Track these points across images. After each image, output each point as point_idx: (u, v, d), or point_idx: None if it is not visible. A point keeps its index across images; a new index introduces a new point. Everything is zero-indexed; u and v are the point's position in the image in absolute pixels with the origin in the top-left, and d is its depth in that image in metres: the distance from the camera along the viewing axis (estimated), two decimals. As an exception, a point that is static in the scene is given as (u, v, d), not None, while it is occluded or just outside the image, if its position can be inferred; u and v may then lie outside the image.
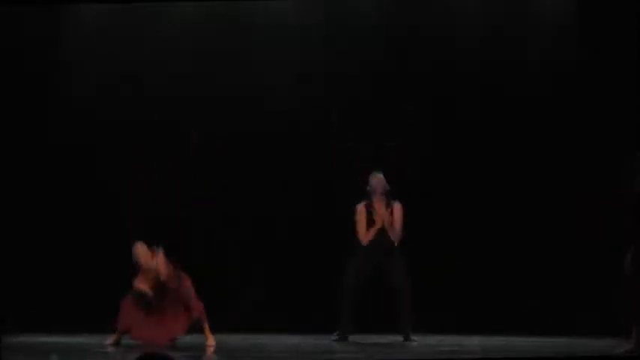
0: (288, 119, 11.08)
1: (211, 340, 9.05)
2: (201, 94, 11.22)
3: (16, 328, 9.65)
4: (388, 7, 11.12)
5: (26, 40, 11.08)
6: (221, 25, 11.24)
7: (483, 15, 10.99)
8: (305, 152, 10.97)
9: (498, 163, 10.83)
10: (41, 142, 11.04)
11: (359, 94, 11.12)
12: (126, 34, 11.29)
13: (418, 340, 9.53)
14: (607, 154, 10.17)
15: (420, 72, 11.04)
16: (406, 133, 11.04)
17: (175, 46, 11.21)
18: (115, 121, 11.12)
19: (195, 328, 9.22)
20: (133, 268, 9.41)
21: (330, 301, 10.04)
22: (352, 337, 9.73)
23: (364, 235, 9.54)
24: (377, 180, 9.61)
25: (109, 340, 9.04)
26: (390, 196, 9.67)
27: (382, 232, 9.59)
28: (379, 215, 9.53)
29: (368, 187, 9.59)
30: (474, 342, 9.71)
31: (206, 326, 9.09)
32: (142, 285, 9.01)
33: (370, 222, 9.55)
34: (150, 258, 9.11)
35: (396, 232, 9.58)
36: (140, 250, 9.15)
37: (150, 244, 9.22)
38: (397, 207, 9.61)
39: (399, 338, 9.60)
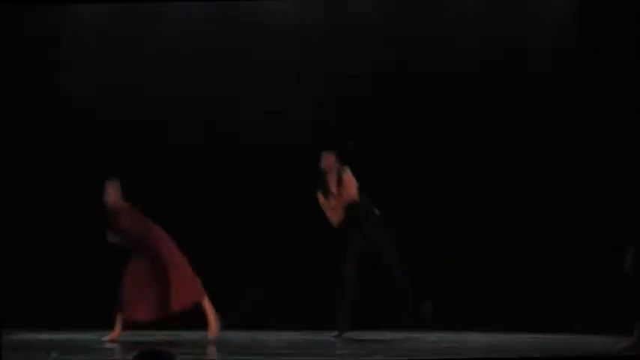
0: (288, 119, 11.09)
1: (213, 327, 9.02)
2: (201, 94, 11.22)
3: (16, 326, 9.69)
4: (388, 7, 11.14)
5: (26, 40, 11.08)
6: (221, 25, 11.26)
7: (483, 15, 11.00)
8: (305, 152, 10.83)
9: (499, 162, 10.85)
10: (41, 142, 11.07)
11: (359, 94, 11.14)
12: (126, 34, 11.30)
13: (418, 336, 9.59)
14: (607, 153, 10.20)
15: (420, 72, 11.06)
16: (406, 133, 11.06)
17: (175, 46, 11.24)
18: (115, 121, 11.12)
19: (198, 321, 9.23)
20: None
21: (331, 299, 10.07)
22: (353, 334, 9.73)
23: (332, 218, 9.61)
24: (325, 158, 9.67)
25: (108, 336, 9.07)
26: (340, 171, 9.70)
27: (351, 208, 9.60)
28: (333, 194, 9.60)
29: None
30: (475, 339, 9.75)
31: (207, 308, 9.06)
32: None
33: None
34: (118, 199, 9.21)
35: (348, 197, 9.56)
36: (112, 189, 9.24)
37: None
38: (346, 176, 9.61)
39: (400, 335, 9.67)
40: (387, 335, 10.04)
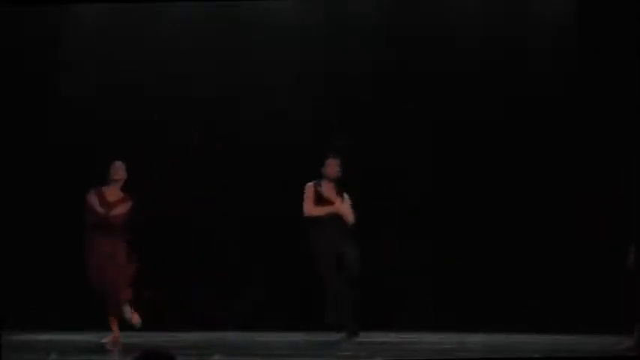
0: (289, 119, 11.08)
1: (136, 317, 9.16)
2: (201, 94, 11.21)
3: (17, 327, 9.72)
4: (388, 7, 11.15)
5: (26, 40, 11.05)
6: (220, 25, 11.27)
7: (483, 15, 11.02)
8: (306, 151, 10.83)
9: (498, 161, 10.89)
10: (41, 142, 11.07)
11: (359, 94, 11.12)
12: (126, 34, 11.31)
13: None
14: (607, 153, 10.22)
15: (420, 72, 11.07)
16: (406, 132, 11.06)
17: (175, 45, 11.27)
18: (115, 121, 11.10)
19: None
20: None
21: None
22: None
23: (310, 209, 9.65)
24: (332, 164, 9.72)
25: (107, 338, 9.13)
26: (339, 184, 9.82)
27: (334, 219, 9.69)
28: (331, 197, 9.69)
29: (322, 170, 9.74)
30: (474, 339, 9.79)
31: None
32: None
33: (318, 201, 9.72)
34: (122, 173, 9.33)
35: (349, 218, 9.68)
36: (119, 166, 9.34)
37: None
38: (347, 197, 9.77)
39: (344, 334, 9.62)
40: (387, 336, 10.08)
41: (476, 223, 10.94)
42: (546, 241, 10.68)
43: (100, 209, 9.33)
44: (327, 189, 9.71)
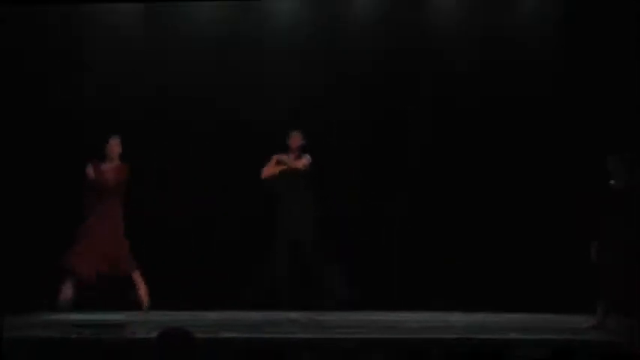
0: (289, 119, 11.11)
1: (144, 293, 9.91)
2: (202, 95, 11.27)
3: (49, 307, 10.13)
4: (385, 8, 11.26)
5: (27, 40, 10.99)
6: (225, 27, 11.34)
7: (481, 15, 11.16)
8: (306, 151, 10.96)
9: (481, 155, 11.05)
10: (42, 142, 11.01)
11: (359, 95, 11.28)
12: (128, 34, 11.34)
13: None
14: (596, 152, 10.07)
15: (419, 72, 11.25)
16: (405, 132, 11.26)
17: (175, 46, 11.30)
18: (116, 121, 11.08)
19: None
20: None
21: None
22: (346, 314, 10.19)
23: (267, 170, 10.44)
24: (294, 137, 10.52)
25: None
26: (303, 151, 10.53)
27: (296, 201, 10.36)
28: (290, 163, 10.46)
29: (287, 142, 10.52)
30: (456, 319, 10.01)
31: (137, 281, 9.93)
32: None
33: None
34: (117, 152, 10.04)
35: (295, 165, 10.45)
36: (114, 143, 10.08)
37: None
38: (306, 157, 10.48)
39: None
40: (375, 315, 10.26)
41: (458, 214, 10.98)
42: (522, 232, 10.80)
43: (91, 173, 9.95)
44: (291, 158, 10.47)
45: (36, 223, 10.77)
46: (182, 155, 11.35)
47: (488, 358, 5.66)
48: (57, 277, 10.21)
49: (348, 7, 11.43)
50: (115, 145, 10.21)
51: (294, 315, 10.11)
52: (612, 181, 9.42)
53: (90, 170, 10.16)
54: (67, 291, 10.06)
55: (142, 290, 10.22)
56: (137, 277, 10.21)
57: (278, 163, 10.68)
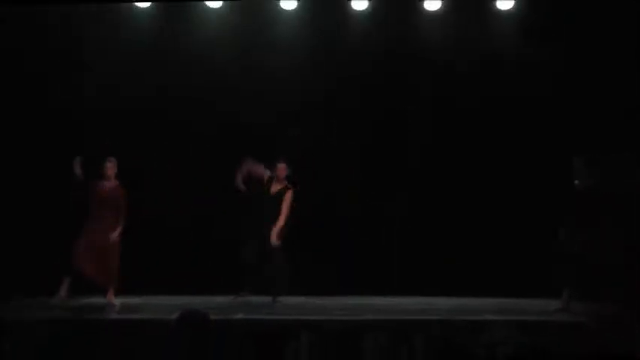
0: (290, 120, 11.35)
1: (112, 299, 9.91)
2: (202, 96, 11.39)
3: (85, 292, 10.19)
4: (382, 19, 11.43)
5: (27, 40, 10.94)
6: (226, 28, 11.41)
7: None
8: (308, 151, 11.33)
9: (469, 161, 11.33)
10: (41, 142, 11.03)
11: (358, 96, 11.49)
12: (130, 33, 11.39)
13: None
14: (567, 154, 10.17)
15: (417, 73, 11.44)
16: (404, 132, 11.46)
17: (175, 47, 11.40)
18: (116, 121, 11.21)
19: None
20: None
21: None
22: (331, 299, 10.46)
23: (238, 182, 10.31)
24: (280, 168, 10.48)
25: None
26: (289, 181, 10.50)
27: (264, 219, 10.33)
28: (272, 190, 10.41)
29: (273, 173, 10.48)
30: (439, 302, 10.28)
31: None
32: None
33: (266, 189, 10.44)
34: (112, 172, 10.03)
35: (282, 215, 10.27)
36: (110, 166, 10.10)
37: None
38: (290, 192, 10.43)
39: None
40: (366, 299, 10.58)
41: (441, 209, 11.34)
42: (498, 224, 11.07)
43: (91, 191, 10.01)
44: (276, 183, 10.46)
45: (35, 221, 10.79)
46: (182, 155, 11.44)
47: None
48: (54, 270, 10.01)
49: (348, 11, 11.55)
50: (110, 168, 10.24)
51: (292, 300, 10.40)
52: (576, 181, 9.86)
53: (89, 188, 10.19)
54: (63, 292, 9.99)
55: (112, 301, 10.18)
56: (110, 295, 10.03)
57: (268, 184, 10.51)
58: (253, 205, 10.41)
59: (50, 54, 11.08)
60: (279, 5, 11.58)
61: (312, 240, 11.22)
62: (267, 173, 10.54)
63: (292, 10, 11.66)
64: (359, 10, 11.74)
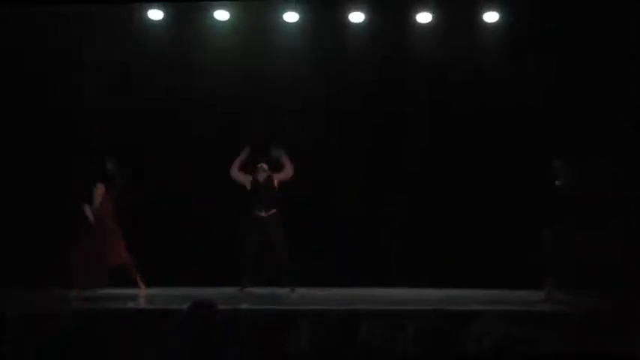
0: (292, 121, 11.72)
1: (142, 289, 10.14)
2: (202, 96, 11.74)
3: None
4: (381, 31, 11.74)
5: (27, 40, 11.04)
6: (226, 28, 11.71)
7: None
8: (309, 151, 11.54)
9: (461, 163, 11.65)
10: (41, 142, 11.18)
11: (356, 101, 11.83)
12: (130, 33, 11.55)
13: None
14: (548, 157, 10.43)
15: (414, 74, 11.76)
16: (403, 133, 11.74)
17: (176, 47, 11.67)
18: (116, 121, 11.45)
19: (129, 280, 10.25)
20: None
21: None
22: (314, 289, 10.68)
23: (234, 171, 10.51)
24: (261, 170, 10.68)
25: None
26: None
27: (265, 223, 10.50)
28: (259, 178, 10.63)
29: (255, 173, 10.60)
30: (429, 293, 10.53)
31: (136, 277, 10.18)
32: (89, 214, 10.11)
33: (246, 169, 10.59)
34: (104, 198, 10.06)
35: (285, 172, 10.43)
36: (100, 189, 10.09)
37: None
38: (273, 175, 10.59)
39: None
40: (361, 290, 10.85)
41: (433, 206, 11.75)
42: (488, 221, 11.42)
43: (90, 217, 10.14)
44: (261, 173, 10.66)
45: (35, 220, 10.91)
46: (183, 155, 11.63)
47: None
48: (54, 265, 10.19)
49: (346, 23, 11.88)
50: (98, 195, 10.29)
51: (295, 291, 10.61)
52: (557, 181, 10.18)
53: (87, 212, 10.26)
54: (79, 288, 10.20)
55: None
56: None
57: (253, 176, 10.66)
58: (251, 194, 10.60)
59: (50, 54, 11.17)
60: (282, 18, 12.00)
61: (313, 237, 11.51)
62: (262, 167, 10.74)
63: (294, 22, 12.08)
64: (356, 22, 12.11)
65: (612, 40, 10.77)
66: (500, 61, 11.66)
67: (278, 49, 11.85)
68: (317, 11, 11.86)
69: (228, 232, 11.24)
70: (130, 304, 9.54)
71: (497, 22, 11.85)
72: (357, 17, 12.02)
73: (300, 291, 10.84)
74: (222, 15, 11.97)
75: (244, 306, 9.17)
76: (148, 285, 10.68)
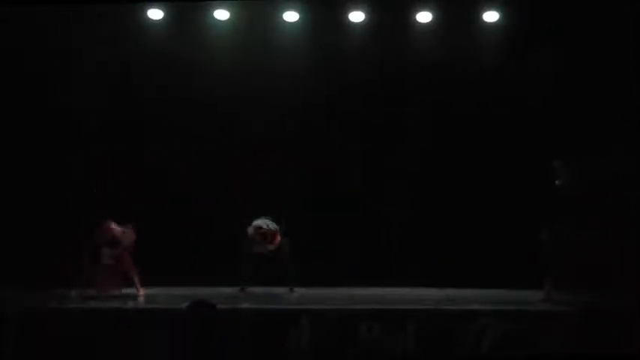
0: (292, 121, 11.80)
1: (141, 291, 10.22)
2: (203, 97, 11.78)
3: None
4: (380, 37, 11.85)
5: (27, 40, 11.09)
6: (226, 29, 11.82)
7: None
8: (310, 151, 11.68)
9: (461, 165, 11.73)
10: (41, 141, 11.24)
11: (356, 100, 11.91)
12: (131, 34, 11.63)
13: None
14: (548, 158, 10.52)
15: (414, 75, 11.85)
16: (403, 133, 11.78)
17: (176, 47, 11.70)
18: (116, 121, 11.57)
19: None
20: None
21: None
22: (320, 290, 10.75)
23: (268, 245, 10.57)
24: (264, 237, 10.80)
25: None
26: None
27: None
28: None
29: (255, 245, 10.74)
30: (432, 293, 10.56)
31: (137, 280, 10.28)
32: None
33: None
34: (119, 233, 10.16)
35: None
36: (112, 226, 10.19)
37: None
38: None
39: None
40: (366, 290, 10.92)
41: (433, 206, 11.80)
42: (488, 221, 11.45)
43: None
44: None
45: (34, 219, 10.98)
46: (183, 155, 11.70)
47: None
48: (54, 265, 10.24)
49: (346, 22, 11.96)
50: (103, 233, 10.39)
51: (296, 291, 10.71)
52: (557, 181, 10.22)
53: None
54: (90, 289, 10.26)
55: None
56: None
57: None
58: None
59: (50, 54, 11.27)
60: (282, 17, 12.05)
61: (313, 237, 11.62)
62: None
63: (294, 21, 12.15)
64: (356, 22, 12.21)
65: (612, 40, 10.82)
66: (501, 61, 11.76)
67: (278, 48, 11.95)
68: (317, 11, 11.97)
69: (228, 232, 11.25)
70: (130, 304, 9.55)
71: (497, 21, 11.96)
72: (357, 17, 12.12)
73: (300, 291, 10.89)
74: (222, 14, 12.08)
75: (244, 306, 9.23)
76: (148, 285, 10.72)
